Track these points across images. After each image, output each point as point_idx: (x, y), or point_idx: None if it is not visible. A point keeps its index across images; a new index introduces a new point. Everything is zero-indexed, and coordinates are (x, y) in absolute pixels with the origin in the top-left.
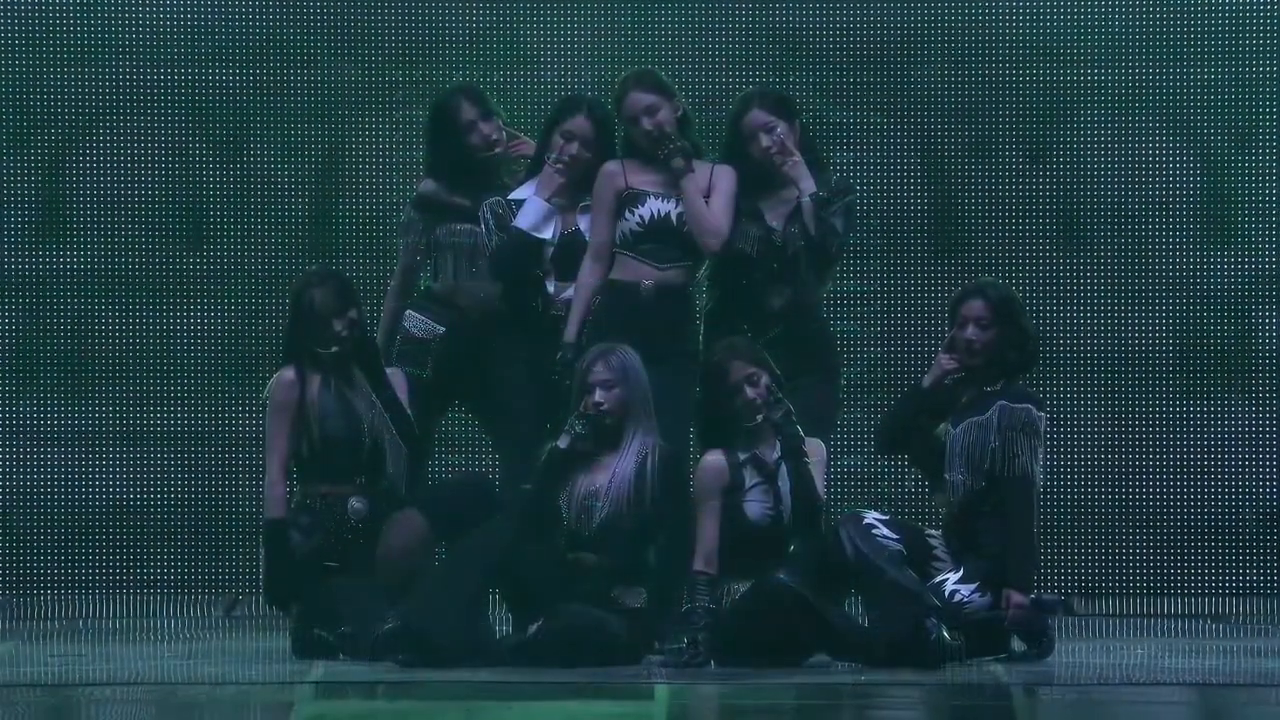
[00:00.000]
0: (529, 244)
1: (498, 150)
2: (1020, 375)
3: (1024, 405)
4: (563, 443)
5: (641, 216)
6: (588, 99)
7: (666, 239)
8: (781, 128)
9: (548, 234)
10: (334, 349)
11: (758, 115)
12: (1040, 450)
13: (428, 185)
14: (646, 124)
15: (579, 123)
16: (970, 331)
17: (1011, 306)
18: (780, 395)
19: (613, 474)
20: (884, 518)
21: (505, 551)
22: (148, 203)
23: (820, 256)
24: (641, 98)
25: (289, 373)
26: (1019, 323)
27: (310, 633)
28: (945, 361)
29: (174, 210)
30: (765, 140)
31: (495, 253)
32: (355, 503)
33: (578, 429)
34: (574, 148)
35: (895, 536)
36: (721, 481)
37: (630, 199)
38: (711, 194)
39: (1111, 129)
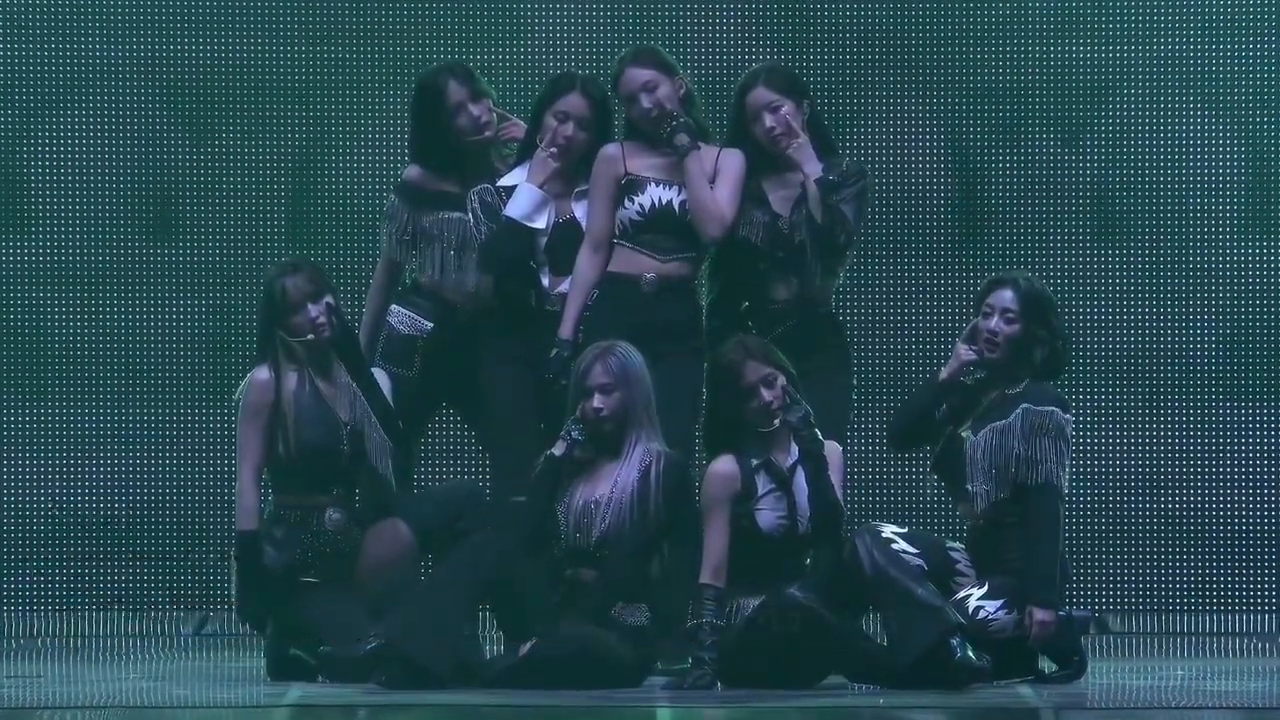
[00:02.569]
0: (520, 234)
1: (487, 134)
2: (1049, 379)
3: (1048, 408)
4: (559, 450)
5: (641, 205)
6: (581, 76)
7: (668, 229)
8: (787, 107)
9: (540, 223)
10: (309, 336)
11: (762, 93)
12: (1067, 456)
13: (413, 171)
14: (645, 101)
15: (572, 101)
16: (995, 322)
17: (1043, 303)
18: (798, 397)
19: (614, 483)
20: (902, 531)
21: (497, 565)
22: (111, 189)
23: (827, 246)
24: (639, 73)
25: (263, 373)
26: (1049, 321)
27: (286, 652)
28: (964, 352)
29: (140, 197)
30: (769, 120)
31: (484, 244)
32: (333, 513)
33: (574, 435)
34: (569, 128)
35: (915, 551)
36: (731, 490)
37: (630, 186)
38: (717, 178)
39: (1150, 109)
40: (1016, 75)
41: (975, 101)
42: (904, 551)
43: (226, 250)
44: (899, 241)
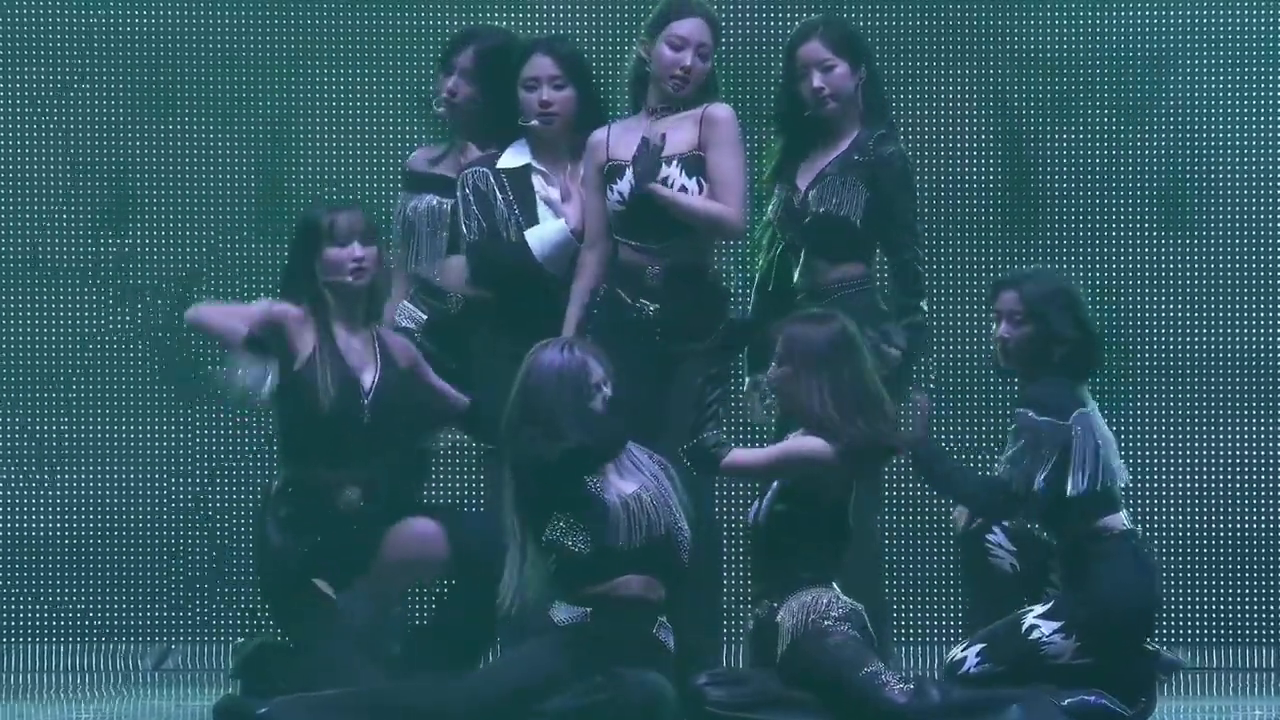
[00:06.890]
0: (528, 259)
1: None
2: (1075, 380)
3: (1021, 409)
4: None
5: (620, 192)
6: (544, 38)
7: (653, 218)
8: (841, 68)
9: (557, 270)
10: (347, 278)
11: (816, 48)
12: (1028, 458)
13: (414, 155)
14: (678, 32)
15: (534, 64)
16: (1002, 328)
17: (1058, 298)
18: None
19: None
20: (1007, 525)
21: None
22: (61, 173)
23: (831, 232)
24: (689, 22)
25: (298, 311)
26: (1067, 317)
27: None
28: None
29: (93, 183)
30: (818, 79)
31: (481, 249)
32: (350, 493)
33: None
34: (542, 93)
35: (1011, 549)
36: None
37: (611, 173)
38: (709, 151)
39: (1219, 83)
40: (1071, 44)
41: (1026, 72)
42: (999, 546)
43: (193, 242)
44: (942, 227)
